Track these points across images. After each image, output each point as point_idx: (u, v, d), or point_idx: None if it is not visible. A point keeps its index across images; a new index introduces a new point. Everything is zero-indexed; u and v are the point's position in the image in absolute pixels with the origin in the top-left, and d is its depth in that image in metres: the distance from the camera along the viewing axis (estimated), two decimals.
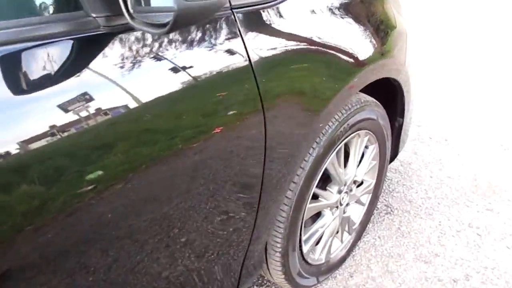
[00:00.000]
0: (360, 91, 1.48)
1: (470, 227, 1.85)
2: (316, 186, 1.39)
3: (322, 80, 1.05)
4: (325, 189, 1.41)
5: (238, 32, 0.84)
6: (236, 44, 0.84)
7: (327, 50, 1.05)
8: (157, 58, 0.74)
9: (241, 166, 0.93)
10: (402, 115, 1.67)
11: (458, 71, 3.59)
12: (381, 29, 1.28)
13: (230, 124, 0.86)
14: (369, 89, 1.56)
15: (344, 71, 1.11)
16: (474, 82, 3.36)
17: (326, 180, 1.42)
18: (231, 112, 0.85)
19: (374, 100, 1.44)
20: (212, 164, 0.86)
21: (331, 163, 1.31)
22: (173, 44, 0.75)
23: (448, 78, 3.45)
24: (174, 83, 0.75)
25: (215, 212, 0.94)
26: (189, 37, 0.77)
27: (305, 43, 0.99)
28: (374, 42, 1.23)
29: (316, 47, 1.02)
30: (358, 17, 1.19)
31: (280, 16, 0.94)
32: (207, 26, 0.80)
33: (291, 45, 0.96)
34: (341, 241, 1.63)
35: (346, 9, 1.15)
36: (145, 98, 0.71)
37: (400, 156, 2.35)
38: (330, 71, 1.07)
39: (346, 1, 1.17)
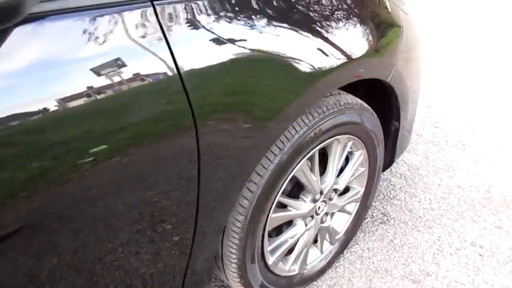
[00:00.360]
0: (354, 90, 1.35)
1: (472, 245, 1.68)
2: (287, 194, 1.29)
3: (275, 84, 0.93)
4: (298, 198, 1.30)
5: (161, 31, 0.74)
6: (157, 45, 0.73)
7: (283, 51, 0.92)
8: (50, 56, 0.65)
9: (170, 181, 0.84)
10: (398, 119, 1.51)
11: (486, 68, 3.29)
12: (360, 22, 1.13)
13: (151, 139, 0.76)
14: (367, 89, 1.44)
15: (305, 73, 0.98)
16: (502, 82, 3.06)
17: (301, 188, 1.30)
18: (151, 126, 0.75)
19: (360, 102, 1.30)
20: (132, 180, 0.78)
21: (300, 170, 1.19)
22: (71, 42, 0.66)
23: (474, 77, 3.16)
24: (73, 89, 0.66)
25: (144, 228, 0.86)
26: (90, 36, 0.68)
27: (253, 42, 0.87)
28: (349, 38, 1.08)
29: (267, 47, 0.89)
30: (330, 8, 1.05)
31: (220, 9, 0.82)
32: (117, 21, 0.70)
33: (234, 45, 0.84)
34: (321, 251, 1.52)
35: None
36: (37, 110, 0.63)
37: (409, 159, 2.18)
38: (286, 73, 0.94)
39: None
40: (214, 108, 0.83)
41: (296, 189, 1.31)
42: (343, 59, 1.05)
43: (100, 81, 0.69)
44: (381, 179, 2.06)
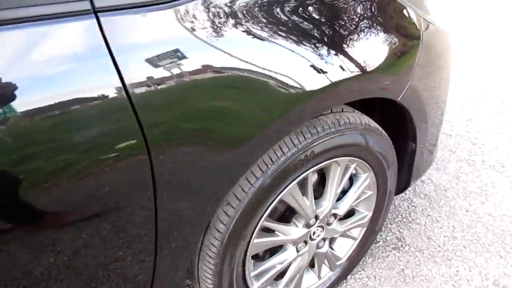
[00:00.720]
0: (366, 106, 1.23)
1: (495, 285, 1.49)
2: (279, 217, 1.19)
3: (248, 103, 0.82)
4: (290, 221, 1.20)
5: (106, 47, 0.66)
6: (101, 60, 0.66)
7: (259, 66, 0.81)
8: None
9: (121, 211, 0.78)
10: (414, 139, 1.35)
11: None
12: (364, 34, 1.00)
13: (97, 162, 0.70)
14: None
15: (288, 91, 0.86)
16: None
17: (294, 211, 1.19)
18: (96, 149, 0.69)
19: (366, 121, 1.16)
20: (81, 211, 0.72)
21: (289, 194, 1.09)
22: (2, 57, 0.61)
23: None
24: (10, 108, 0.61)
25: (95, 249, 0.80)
26: (25, 50, 0.62)
27: (219, 55, 0.77)
28: (348, 52, 0.95)
29: (239, 62, 0.79)
30: (326, 14, 0.93)
31: (179, 22, 0.73)
32: (56, 34, 0.63)
33: (194, 59, 0.75)
34: (319, 277, 1.40)
35: (298, 7, 0.89)
36: None
37: (437, 178, 2.00)
38: (263, 91, 0.83)
39: None
40: (171, 129, 0.75)
41: (289, 212, 1.20)
42: (336, 77, 0.93)
43: (37, 100, 0.63)
44: (402, 199, 1.90)
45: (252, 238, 1.08)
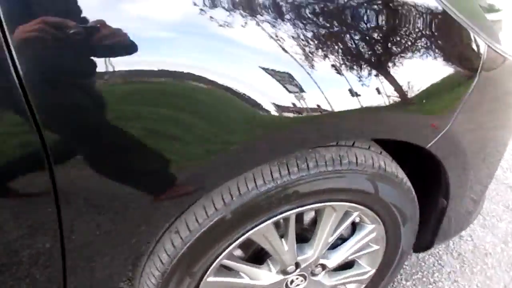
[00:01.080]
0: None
1: None
2: (253, 256, 0.99)
3: (206, 114, 0.63)
4: (263, 262, 0.99)
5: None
6: None
7: (221, 81, 0.60)
8: None
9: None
10: (447, 195, 1.07)
11: None
12: (391, 51, 0.74)
13: None
14: None
15: (246, 118, 0.65)
16: None
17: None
18: None
19: (382, 165, 0.91)
20: None
21: (261, 234, 0.88)
22: None
23: None
24: None
25: None
26: None
27: (170, 57, 0.58)
28: (352, 70, 0.70)
29: (195, 67, 0.59)
30: (333, 18, 0.69)
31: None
32: None
33: (131, 56, 0.56)
34: None
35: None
36: None
37: (479, 238, 1.67)
38: (227, 104, 0.63)
39: None
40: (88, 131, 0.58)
41: (265, 251, 1.00)
42: (333, 106, 0.70)
43: None
44: (429, 253, 1.60)
45: (205, 276, 0.89)
